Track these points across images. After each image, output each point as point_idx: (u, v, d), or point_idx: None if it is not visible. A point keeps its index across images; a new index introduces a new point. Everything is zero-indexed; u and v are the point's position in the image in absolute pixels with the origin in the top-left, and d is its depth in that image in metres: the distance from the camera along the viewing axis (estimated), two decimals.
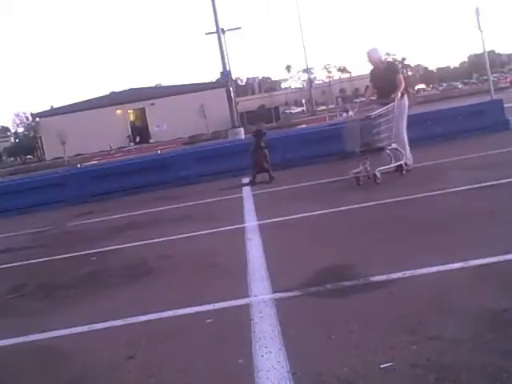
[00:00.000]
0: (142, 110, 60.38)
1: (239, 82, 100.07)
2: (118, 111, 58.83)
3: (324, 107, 71.38)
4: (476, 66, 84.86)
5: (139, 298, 4.12)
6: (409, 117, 8.25)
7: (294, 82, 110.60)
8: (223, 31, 32.32)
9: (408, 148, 8.07)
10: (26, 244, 7.62)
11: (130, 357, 3.02)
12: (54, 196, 11.56)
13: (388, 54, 67.07)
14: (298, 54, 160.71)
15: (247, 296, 3.70)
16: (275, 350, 2.79)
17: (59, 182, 12.28)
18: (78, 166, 25.86)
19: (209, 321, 3.36)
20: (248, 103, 74.66)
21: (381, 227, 5.13)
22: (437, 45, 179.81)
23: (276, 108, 62.80)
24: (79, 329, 3.61)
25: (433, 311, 2.99)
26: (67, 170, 16.82)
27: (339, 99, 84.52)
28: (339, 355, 2.63)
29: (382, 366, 2.45)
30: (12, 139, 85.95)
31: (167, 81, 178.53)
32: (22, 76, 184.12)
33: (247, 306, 3.49)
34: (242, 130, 26.53)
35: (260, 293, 3.72)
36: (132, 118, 62.54)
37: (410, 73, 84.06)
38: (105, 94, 64.91)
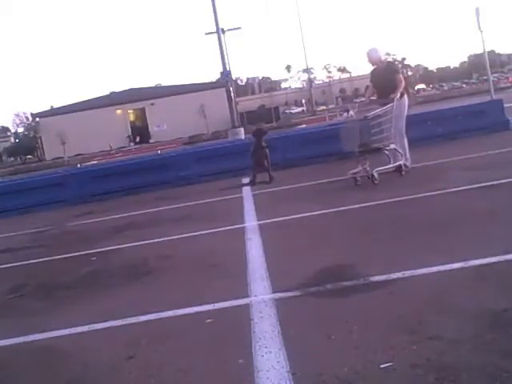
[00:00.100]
0: (142, 110, 60.36)
1: (239, 82, 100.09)
2: (118, 111, 58.81)
3: (324, 107, 71.35)
4: (476, 65, 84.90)
5: (139, 298, 4.12)
6: (409, 117, 8.25)
7: (294, 82, 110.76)
8: (223, 31, 32.32)
9: (407, 148, 8.06)
10: (26, 244, 7.62)
11: (130, 357, 3.02)
12: (54, 196, 11.56)
13: (388, 54, 67.03)
14: (298, 54, 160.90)
15: (247, 296, 3.70)
16: (275, 349, 2.79)
17: (59, 181, 12.28)
18: (78, 165, 25.85)
19: (209, 321, 3.36)
20: (248, 103, 74.64)
21: (381, 227, 5.13)
22: (437, 45, 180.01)
23: (276, 108, 62.78)
24: (79, 329, 3.61)
25: (433, 311, 2.99)
26: (67, 170, 16.80)
27: (339, 99, 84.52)
28: (339, 355, 2.63)
29: (381, 365, 2.45)
30: (12, 139, 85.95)
31: (167, 81, 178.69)
32: (22, 76, 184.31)
33: (247, 306, 3.50)
34: (242, 129, 26.52)
35: (260, 293, 3.72)
36: (132, 117, 62.52)
37: (410, 73, 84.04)
38: (105, 93, 64.94)
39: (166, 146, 33.77)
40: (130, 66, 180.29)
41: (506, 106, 12.24)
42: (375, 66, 8.36)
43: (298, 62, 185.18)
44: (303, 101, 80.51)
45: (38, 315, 4.13)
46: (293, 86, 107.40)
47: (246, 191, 9.14)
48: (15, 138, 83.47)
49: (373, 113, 7.52)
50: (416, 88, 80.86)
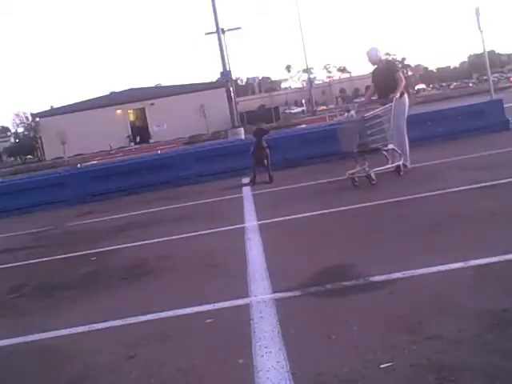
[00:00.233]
0: (142, 110, 60.37)
1: (239, 82, 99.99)
2: (118, 111, 58.82)
3: (324, 107, 71.39)
4: (476, 65, 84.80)
5: (139, 298, 4.12)
6: (409, 117, 8.24)
7: (294, 82, 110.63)
8: (223, 31, 32.32)
9: (408, 148, 8.05)
10: (26, 244, 7.62)
11: (130, 357, 3.02)
12: (54, 196, 11.57)
13: (388, 54, 67.05)
14: (298, 54, 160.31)
15: (247, 296, 3.70)
16: (275, 349, 2.79)
17: (59, 182, 12.30)
18: (78, 165, 25.84)
19: (209, 321, 3.36)
20: (248, 103, 74.62)
21: (381, 227, 5.13)
22: (437, 45, 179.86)
23: (276, 108, 62.82)
24: (79, 329, 3.61)
25: (433, 311, 2.99)
26: (67, 170, 16.82)
27: (339, 99, 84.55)
28: (339, 355, 2.63)
29: (381, 365, 2.45)
30: (12, 139, 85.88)
31: (167, 81, 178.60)
32: (22, 76, 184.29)
33: (247, 306, 3.50)
34: (242, 129, 26.52)
35: (260, 293, 3.72)
36: (132, 118, 62.53)
37: (410, 73, 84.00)
38: (105, 93, 64.95)
39: (165, 146, 33.77)
40: (130, 66, 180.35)
41: (506, 105, 12.24)
42: (376, 66, 8.37)
43: (298, 61, 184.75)
44: (303, 101, 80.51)
45: (38, 315, 4.13)
46: (293, 86, 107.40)
47: (246, 191, 9.14)
48: (15, 138, 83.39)
49: (371, 113, 7.52)
50: (416, 88, 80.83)
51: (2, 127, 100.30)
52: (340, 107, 55.14)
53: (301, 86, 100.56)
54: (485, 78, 49.92)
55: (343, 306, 3.30)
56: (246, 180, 10.04)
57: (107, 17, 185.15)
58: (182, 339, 3.20)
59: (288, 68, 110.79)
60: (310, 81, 73.04)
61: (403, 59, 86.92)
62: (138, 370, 2.85)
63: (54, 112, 61.24)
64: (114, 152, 44.08)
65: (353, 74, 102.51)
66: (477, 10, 14.47)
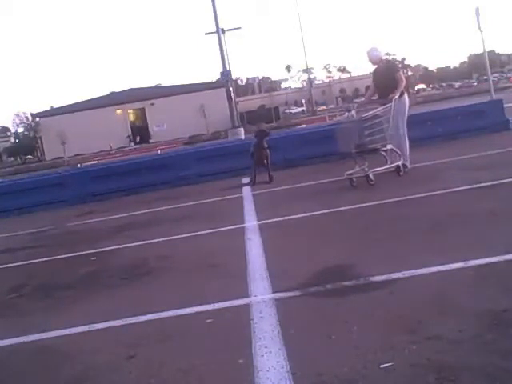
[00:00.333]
0: (142, 110, 60.37)
1: (239, 82, 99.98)
2: (118, 111, 58.82)
3: (324, 107, 71.36)
4: (476, 65, 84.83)
5: (139, 298, 4.12)
6: (409, 117, 8.22)
7: (294, 82, 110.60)
8: (223, 31, 32.33)
9: (408, 148, 8.04)
10: (26, 244, 7.62)
11: (130, 357, 3.02)
12: (54, 196, 11.57)
13: (388, 54, 67.04)
14: (298, 54, 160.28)
15: (247, 296, 3.70)
16: (275, 349, 2.79)
17: (59, 182, 12.30)
18: (78, 165, 25.85)
19: (209, 321, 3.36)
20: (248, 103, 74.61)
21: (381, 227, 5.13)
22: (437, 45, 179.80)
23: (276, 108, 62.81)
24: (79, 329, 3.61)
25: (433, 311, 2.99)
26: (67, 170, 16.82)
27: (339, 99, 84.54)
28: (339, 355, 2.63)
29: (381, 365, 2.45)
30: (12, 139, 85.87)
31: (167, 81, 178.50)
32: (22, 76, 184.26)
33: (247, 306, 3.50)
34: (242, 130, 26.53)
35: (260, 293, 3.72)
36: (132, 118, 62.53)
37: (410, 73, 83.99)
38: (105, 94, 64.98)
39: (165, 146, 33.76)
40: (130, 66, 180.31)
41: (506, 105, 12.24)
42: (376, 66, 8.37)
43: (298, 61, 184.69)
44: (303, 101, 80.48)
45: (38, 315, 4.13)
46: (293, 86, 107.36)
47: (246, 191, 9.14)
48: (15, 138, 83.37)
49: (370, 113, 7.51)
50: (416, 88, 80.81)
51: (2, 127, 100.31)
52: (340, 107, 55.13)
53: (301, 85, 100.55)
54: (485, 78, 49.90)
55: (343, 305, 3.30)
56: (246, 180, 10.05)
57: (107, 17, 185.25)
58: (182, 339, 3.20)
59: (288, 68, 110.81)
60: (310, 81, 73.03)
61: (403, 59, 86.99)
62: (138, 370, 2.85)
63: (53, 112, 61.24)
64: (113, 152, 44.07)
65: (353, 74, 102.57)
66: (477, 10, 14.47)
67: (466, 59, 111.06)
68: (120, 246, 6.22)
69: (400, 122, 7.87)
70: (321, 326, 3.02)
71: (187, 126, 50.89)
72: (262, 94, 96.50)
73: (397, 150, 7.71)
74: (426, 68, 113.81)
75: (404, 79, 8.09)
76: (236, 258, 4.72)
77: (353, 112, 8.13)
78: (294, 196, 7.98)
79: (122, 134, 57.07)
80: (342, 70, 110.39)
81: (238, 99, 53.94)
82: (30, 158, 69.42)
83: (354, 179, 7.49)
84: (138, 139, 57.99)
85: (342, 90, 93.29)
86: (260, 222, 6.16)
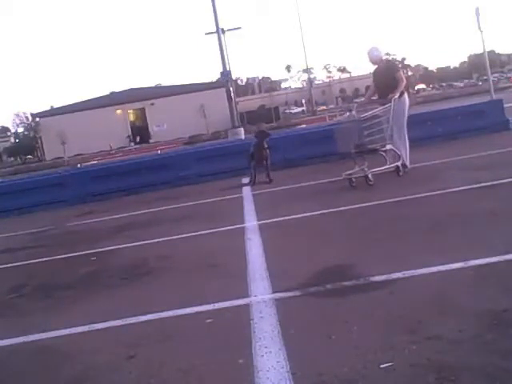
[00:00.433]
0: (142, 110, 60.36)
1: (239, 82, 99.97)
2: (118, 111, 58.82)
3: (324, 107, 71.36)
4: (476, 65, 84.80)
5: (139, 298, 4.12)
6: (409, 117, 8.22)
7: (294, 82, 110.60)
8: (223, 31, 32.33)
9: (408, 148, 8.03)
10: (26, 244, 7.62)
11: (130, 357, 3.02)
12: (54, 196, 11.57)
13: (388, 54, 67.02)
14: (298, 54, 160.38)
15: (247, 296, 3.70)
16: (275, 349, 2.79)
17: (59, 182, 12.30)
18: (78, 165, 25.84)
19: (209, 321, 3.36)
20: (248, 103, 74.61)
21: (381, 227, 5.13)
22: (437, 45, 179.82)
23: (276, 108, 62.79)
24: (79, 329, 3.61)
25: (433, 311, 2.99)
26: (67, 170, 16.82)
27: (339, 99, 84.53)
28: (339, 355, 2.63)
29: (381, 365, 2.45)
30: (12, 139, 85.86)
31: (167, 81, 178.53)
32: (22, 76, 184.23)
33: (247, 306, 3.50)
34: (242, 130, 26.54)
35: (260, 293, 3.72)
36: (132, 118, 62.52)
37: (410, 73, 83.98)
38: (105, 94, 64.97)
39: (165, 146, 33.76)
40: (130, 66, 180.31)
41: (506, 105, 12.24)
42: (376, 66, 8.37)
43: (298, 61, 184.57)
44: (303, 101, 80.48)
45: (38, 315, 4.13)
46: (293, 86, 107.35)
47: (246, 191, 9.14)
48: (15, 138, 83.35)
49: (369, 113, 7.51)
50: (416, 88, 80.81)
51: (2, 127, 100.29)
52: (340, 107, 55.13)
53: (301, 85, 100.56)
54: (485, 77, 49.90)
55: (343, 305, 3.29)
56: (245, 180, 10.05)
57: (107, 17, 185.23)
58: (182, 339, 3.20)
59: (288, 68, 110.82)
60: (310, 81, 73.02)
61: (403, 59, 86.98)
62: (138, 370, 2.85)
63: (53, 112, 61.24)
64: (113, 152, 44.08)
65: (353, 74, 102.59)
66: (477, 10, 14.47)
67: (466, 59, 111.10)
68: (120, 246, 6.22)
69: (400, 122, 7.86)
70: (321, 326, 3.02)
71: (187, 126, 50.89)
72: (262, 94, 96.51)
73: (396, 150, 7.70)
74: (426, 68, 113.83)
75: (404, 79, 8.09)
76: (236, 258, 4.72)
77: (354, 112, 8.12)
78: (294, 196, 7.97)
79: (122, 134, 57.07)
80: (342, 70, 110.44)
81: (237, 99, 53.94)
82: (30, 158, 69.41)
83: (353, 179, 7.49)
84: (137, 139, 57.99)
85: (342, 90, 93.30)
86: (260, 222, 6.16)
